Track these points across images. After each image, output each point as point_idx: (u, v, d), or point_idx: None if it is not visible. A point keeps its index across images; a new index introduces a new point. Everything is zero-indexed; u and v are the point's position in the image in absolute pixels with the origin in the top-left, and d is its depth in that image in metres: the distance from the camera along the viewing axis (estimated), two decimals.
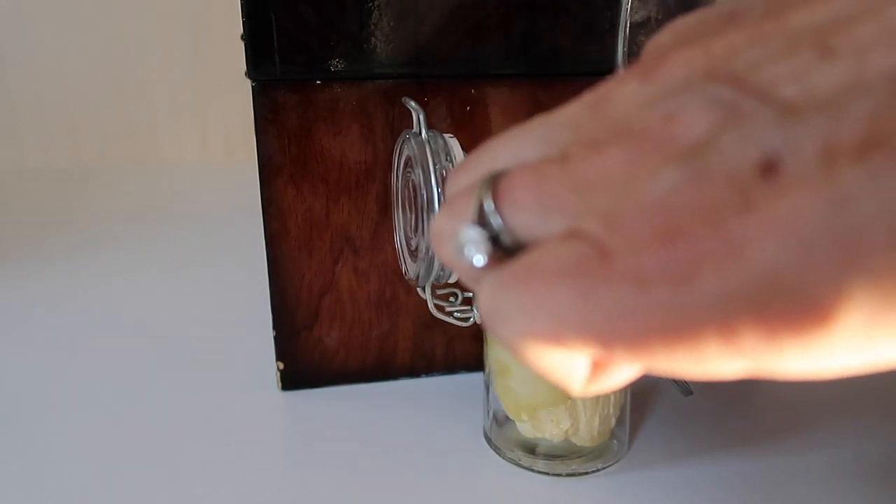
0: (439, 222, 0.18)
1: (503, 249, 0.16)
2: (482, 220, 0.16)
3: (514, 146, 0.18)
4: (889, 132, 0.12)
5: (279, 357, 0.43)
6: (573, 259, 0.14)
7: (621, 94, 0.16)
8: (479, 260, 0.16)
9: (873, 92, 0.12)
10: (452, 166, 0.32)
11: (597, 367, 0.17)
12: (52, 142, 0.99)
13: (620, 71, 0.16)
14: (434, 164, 0.32)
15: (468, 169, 0.19)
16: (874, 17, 0.13)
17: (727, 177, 0.13)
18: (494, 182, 0.17)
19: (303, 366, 0.44)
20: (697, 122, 0.14)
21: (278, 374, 0.43)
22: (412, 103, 0.34)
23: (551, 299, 0.15)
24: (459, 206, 0.17)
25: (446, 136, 0.33)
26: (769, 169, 0.13)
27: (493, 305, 0.16)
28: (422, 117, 0.33)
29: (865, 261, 0.12)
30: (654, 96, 0.15)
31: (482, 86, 0.40)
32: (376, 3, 0.38)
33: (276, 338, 0.43)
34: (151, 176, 0.97)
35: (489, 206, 0.16)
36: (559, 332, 0.15)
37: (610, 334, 0.14)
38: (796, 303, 0.12)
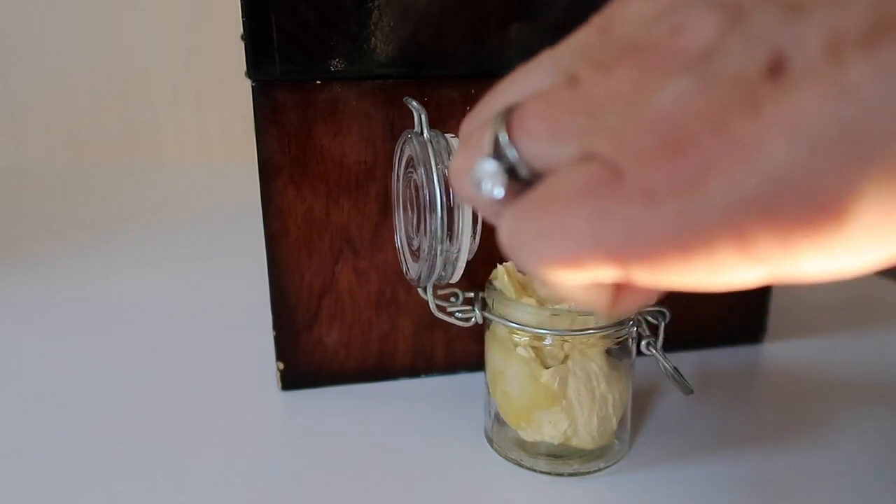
0: (457, 162, 0.18)
1: (520, 182, 0.16)
2: (497, 153, 0.16)
3: (524, 81, 0.18)
4: (894, 19, 0.11)
5: (279, 357, 0.43)
6: (587, 180, 0.14)
7: (627, 12, 0.16)
8: (498, 192, 0.16)
9: None
10: None
11: (619, 290, 0.17)
12: (52, 142, 0.99)
13: None
14: (436, 164, 0.32)
15: (480, 111, 0.19)
16: None
17: (734, 80, 0.13)
18: (508, 115, 0.17)
19: (303, 366, 0.44)
20: (703, 28, 0.14)
21: (278, 374, 0.43)
22: (414, 103, 0.34)
23: (568, 221, 0.15)
24: (475, 144, 0.17)
25: (448, 135, 0.33)
26: (775, 68, 0.12)
27: (513, 235, 0.16)
28: (423, 117, 0.33)
29: (875, 152, 0.11)
30: (660, 10, 0.15)
31: (482, 86, 0.40)
32: (376, 3, 0.38)
33: (276, 338, 0.43)
34: (151, 176, 0.97)
35: (504, 138, 0.16)
36: (577, 254, 0.15)
37: (625, 251, 0.14)
38: (810, 202, 0.12)
